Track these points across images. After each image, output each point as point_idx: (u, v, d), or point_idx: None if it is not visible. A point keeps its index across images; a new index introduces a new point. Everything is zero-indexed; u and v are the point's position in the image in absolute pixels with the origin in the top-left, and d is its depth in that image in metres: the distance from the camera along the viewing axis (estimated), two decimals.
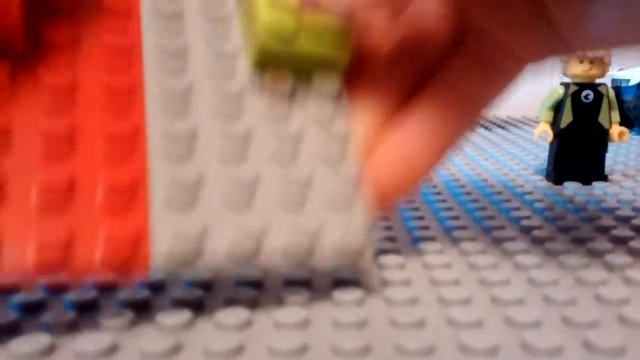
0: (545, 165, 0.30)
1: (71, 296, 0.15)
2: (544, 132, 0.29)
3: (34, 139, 0.13)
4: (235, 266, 0.13)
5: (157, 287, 0.16)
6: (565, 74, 0.28)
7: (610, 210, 0.24)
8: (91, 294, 0.15)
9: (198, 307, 0.15)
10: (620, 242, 0.20)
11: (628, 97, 0.44)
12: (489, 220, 0.22)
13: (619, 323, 0.14)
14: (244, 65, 0.15)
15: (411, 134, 0.16)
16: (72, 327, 0.14)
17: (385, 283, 0.16)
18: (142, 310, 0.15)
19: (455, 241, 0.20)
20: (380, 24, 0.16)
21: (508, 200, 0.25)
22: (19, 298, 0.15)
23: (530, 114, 0.58)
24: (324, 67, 0.15)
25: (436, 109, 0.16)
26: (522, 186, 0.28)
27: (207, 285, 0.16)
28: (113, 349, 0.13)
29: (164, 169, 0.13)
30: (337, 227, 0.14)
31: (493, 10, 0.15)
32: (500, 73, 0.16)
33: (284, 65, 0.14)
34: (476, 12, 0.16)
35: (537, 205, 0.24)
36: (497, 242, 0.20)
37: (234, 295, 0.15)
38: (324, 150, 0.15)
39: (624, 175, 0.30)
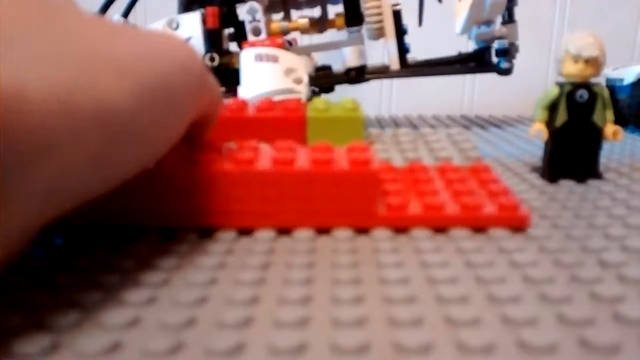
0: (540, 163, 0.30)
1: (72, 295, 0.15)
2: (539, 131, 0.29)
3: None
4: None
5: (158, 286, 0.16)
6: (560, 74, 0.29)
7: (605, 208, 0.24)
8: (92, 294, 0.15)
9: (199, 306, 0.15)
10: (615, 240, 0.20)
11: (622, 96, 0.44)
12: None
13: (614, 320, 0.14)
14: None
15: None
16: (74, 326, 0.14)
17: (383, 281, 0.16)
18: (143, 308, 0.15)
19: (451, 239, 0.20)
20: None
21: None
22: (19, 297, 0.15)
23: (526, 113, 0.58)
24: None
25: None
26: (517, 184, 0.28)
27: (208, 283, 0.16)
28: (114, 347, 0.13)
29: None
30: None
31: None
32: None
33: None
34: None
35: (533, 203, 0.24)
36: (493, 240, 0.20)
37: (235, 294, 0.15)
38: None
39: (619, 173, 0.31)
